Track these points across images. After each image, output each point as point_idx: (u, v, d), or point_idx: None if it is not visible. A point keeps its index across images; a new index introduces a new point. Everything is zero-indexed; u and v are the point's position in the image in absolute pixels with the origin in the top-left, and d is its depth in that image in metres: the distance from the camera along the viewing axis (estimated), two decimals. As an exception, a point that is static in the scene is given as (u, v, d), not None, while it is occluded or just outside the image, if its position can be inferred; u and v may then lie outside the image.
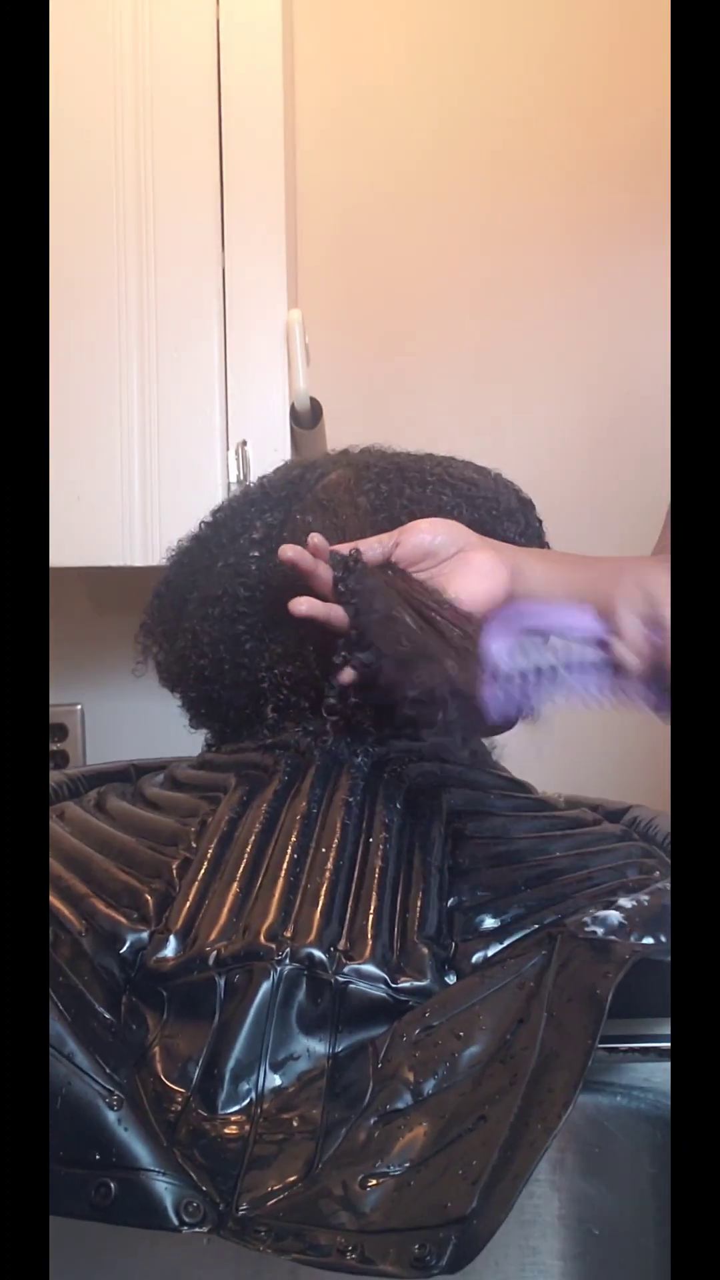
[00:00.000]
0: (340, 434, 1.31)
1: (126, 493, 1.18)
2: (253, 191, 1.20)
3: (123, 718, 1.41)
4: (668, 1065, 0.48)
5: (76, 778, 0.75)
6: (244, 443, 1.18)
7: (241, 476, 1.18)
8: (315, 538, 0.65)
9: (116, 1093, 0.44)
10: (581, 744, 1.36)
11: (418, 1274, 0.38)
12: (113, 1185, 0.41)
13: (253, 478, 1.17)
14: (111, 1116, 0.43)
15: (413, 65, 1.49)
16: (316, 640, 0.68)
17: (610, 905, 0.49)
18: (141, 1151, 0.42)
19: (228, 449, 1.19)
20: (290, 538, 0.69)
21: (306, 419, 1.21)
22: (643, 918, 0.48)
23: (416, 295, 1.48)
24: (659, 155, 1.41)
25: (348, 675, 0.63)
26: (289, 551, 0.64)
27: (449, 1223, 0.39)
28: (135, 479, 1.18)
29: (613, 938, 0.47)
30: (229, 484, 1.19)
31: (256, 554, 0.72)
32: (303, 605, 0.63)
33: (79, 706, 1.41)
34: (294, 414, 1.20)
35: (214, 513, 0.79)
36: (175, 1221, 0.41)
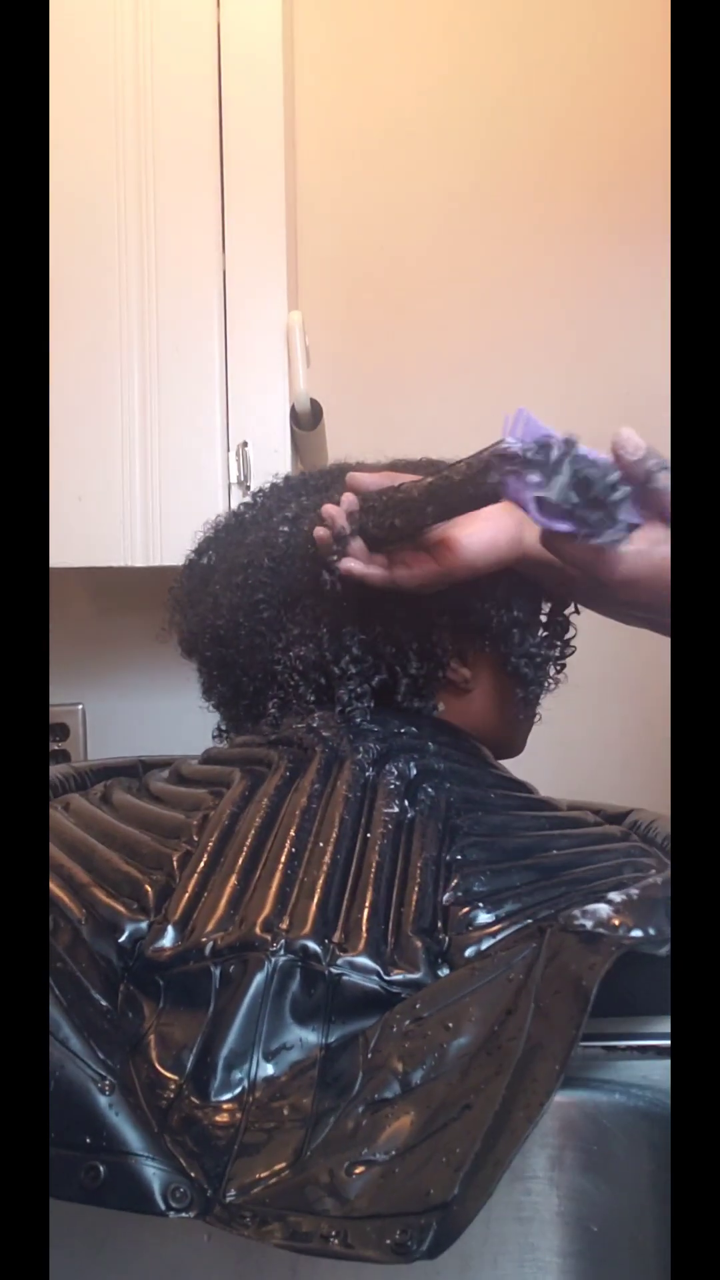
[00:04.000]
0: (340, 435, 1.31)
1: (126, 493, 1.18)
2: (253, 193, 1.20)
3: (124, 717, 1.41)
4: (667, 1063, 0.48)
5: (84, 771, 0.76)
6: (244, 443, 1.19)
7: (241, 477, 1.18)
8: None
9: (109, 1078, 0.44)
10: (582, 749, 1.36)
11: (399, 1259, 0.39)
12: (102, 1169, 0.42)
13: (253, 478, 1.18)
14: (103, 1101, 0.43)
15: (413, 67, 1.49)
16: (330, 622, 0.69)
17: (600, 899, 0.49)
18: (131, 1136, 0.43)
19: (228, 450, 1.19)
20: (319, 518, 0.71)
21: (307, 420, 1.21)
22: (632, 910, 0.48)
23: (417, 296, 1.48)
24: (660, 159, 1.41)
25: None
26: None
27: (431, 1209, 0.39)
28: (135, 479, 1.18)
29: (601, 930, 0.47)
30: (229, 484, 1.19)
31: (286, 529, 0.73)
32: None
33: (80, 706, 1.41)
34: (294, 415, 1.20)
35: (254, 494, 0.80)
36: (162, 1206, 0.42)
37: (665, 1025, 0.49)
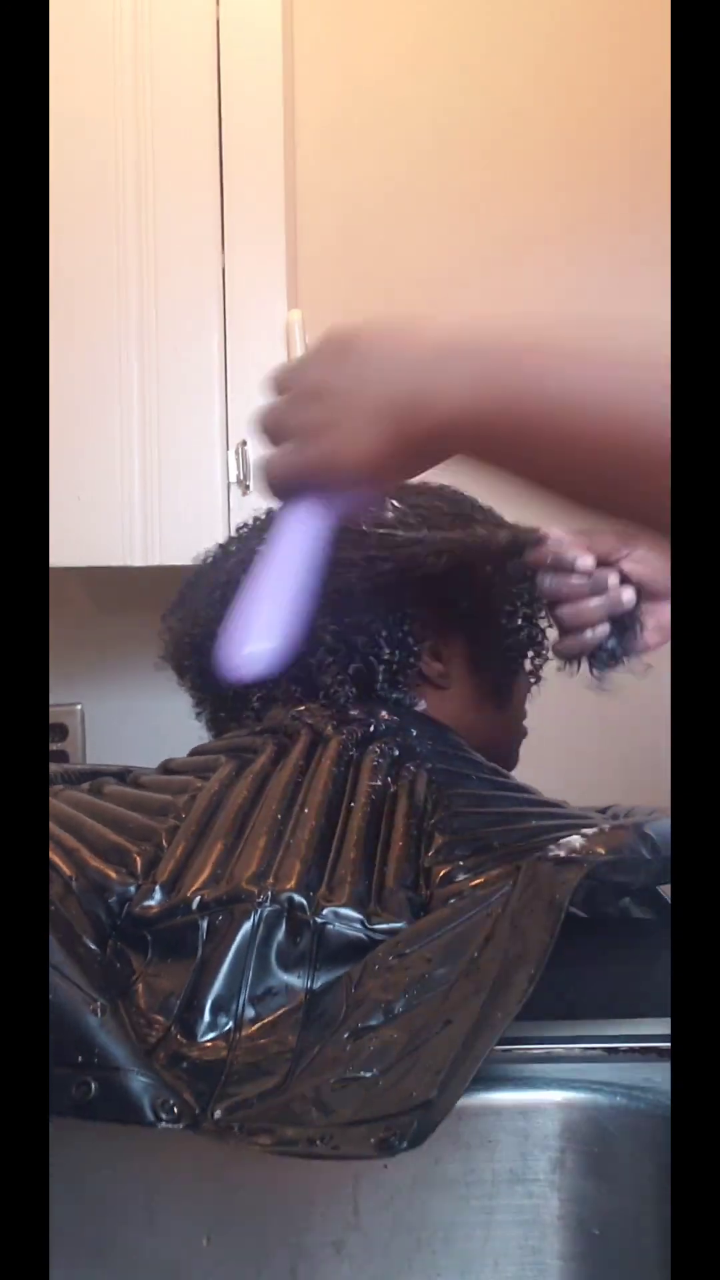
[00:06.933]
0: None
1: (126, 493, 1.18)
2: (253, 191, 1.20)
3: (123, 718, 1.41)
4: (667, 1065, 0.48)
5: (72, 773, 0.77)
6: (244, 443, 1.18)
7: (241, 476, 1.18)
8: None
9: (100, 1000, 0.45)
10: (582, 747, 1.36)
11: (383, 1155, 0.40)
12: (93, 1084, 0.43)
13: (252, 477, 1.18)
14: (94, 1021, 0.45)
15: (413, 65, 1.49)
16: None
17: (574, 833, 0.52)
18: (121, 1052, 0.44)
19: (228, 449, 1.19)
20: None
21: (307, 419, 1.21)
22: (604, 840, 0.51)
23: (416, 295, 1.48)
24: (659, 155, 1.40)
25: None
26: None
27: (413, 1108, 0.40)
28: (135, 479, 1.18)
29: (574, 855, 0.49)
30: (229, 483, 1.19)
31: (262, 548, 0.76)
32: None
33: (79, 706, 1.41)
34: (294, 414, 1.20)
35: (239, 528, 0.83)
36: (151, 1118, 0.43)
37: (666, 1028, 0.48)
